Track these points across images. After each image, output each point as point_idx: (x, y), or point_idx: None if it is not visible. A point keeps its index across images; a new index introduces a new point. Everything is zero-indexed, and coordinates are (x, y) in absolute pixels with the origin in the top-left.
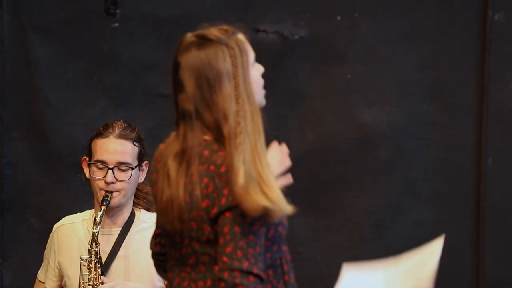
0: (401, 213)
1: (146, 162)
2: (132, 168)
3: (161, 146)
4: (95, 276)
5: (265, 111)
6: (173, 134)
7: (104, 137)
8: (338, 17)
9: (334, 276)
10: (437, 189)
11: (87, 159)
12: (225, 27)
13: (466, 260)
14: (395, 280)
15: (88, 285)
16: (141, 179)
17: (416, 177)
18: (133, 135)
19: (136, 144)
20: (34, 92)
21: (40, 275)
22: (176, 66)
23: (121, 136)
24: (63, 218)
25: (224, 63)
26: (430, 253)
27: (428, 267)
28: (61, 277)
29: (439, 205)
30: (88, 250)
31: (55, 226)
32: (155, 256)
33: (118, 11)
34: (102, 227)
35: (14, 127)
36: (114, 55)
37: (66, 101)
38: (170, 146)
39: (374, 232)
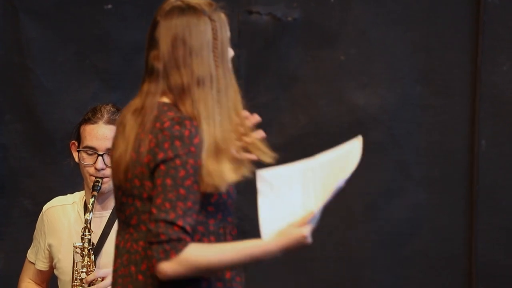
0: (393, 196)
1: None
2: None
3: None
4: (89, 263)
5: (258, 93)
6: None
7: (93, 123)
8: None
9: (327, 257)
10: (429, 172)
11: (76, 144)
12: (210, 1)
13: (459, 243)
14: (312, 172)
15: (82, 272)
16: None
17: (408, 160)
18: None
19: None
20: (26, 75)
21: (30, 255)
22: (155, 25)
23: (110, 122)
24: (53, 200)
25: (205, 33)
26: (350, 153)
27: (348, 166)
28: (51, 258)
29: (432, 188)
30: (81, 238)
31: (44, 207)
32: None
33: None
34: (93, 211)
35: (6, 110)
36: (106, 37)
37: (58, 84)
38: (131, 103)
39: (366, 215)
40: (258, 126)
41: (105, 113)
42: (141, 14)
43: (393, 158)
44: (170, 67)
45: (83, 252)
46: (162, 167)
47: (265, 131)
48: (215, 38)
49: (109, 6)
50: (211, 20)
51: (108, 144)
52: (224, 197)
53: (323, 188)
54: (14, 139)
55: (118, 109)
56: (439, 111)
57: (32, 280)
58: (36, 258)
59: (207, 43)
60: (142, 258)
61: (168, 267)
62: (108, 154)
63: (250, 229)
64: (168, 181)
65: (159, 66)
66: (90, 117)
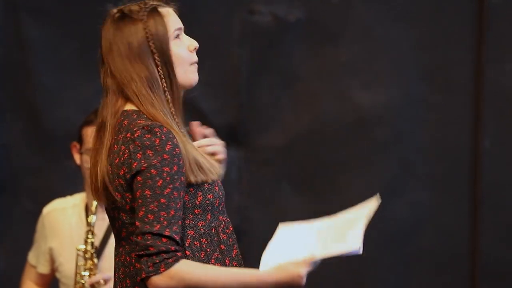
0: (397, 194)
1: None
2: None
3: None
4: (92, 267)
5: (261, 91)
6: None
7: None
8: None
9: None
10: (433, 170)
11: (78, 146)
12: (146, 1)
13: (463, 241)
14: (326, 234)
15: (85, 275)
16: None
17: (412, 159)
18: None
19: None
20: (27, 73)
21: (32, 258)
22: (100, 39)
23: None
24: (53, 202)
25: (137, 38)
26: (362, 213)
27: (357, 226)
28: (52, 261)
29: (436, 186)
30: (85, 241)
31: (44, 210)
32: None
33: None
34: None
35: (7, 109)
36: None
37: (59, 82)
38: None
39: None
40: (261, 126)
41: None
42: None
43: (396, 156)
44: (119, 78)
45: (86, 256)
46: (139, 178)
47: (268, 130)
48: (149, 38)
49: (111, 5)
50: (142, 21)
51: None
52: (210, 197)
53: (331, 242)
54: (15, 138)
55: None
56: (443, 109)
57: (34, 283)
58: (37, 261)
59: (142, 46)
60: (136, 271)
61: (160, 280)
62: None
63: (249, 230)
64: (147, 192)
65: (107, 79)
66: (92, 119)
